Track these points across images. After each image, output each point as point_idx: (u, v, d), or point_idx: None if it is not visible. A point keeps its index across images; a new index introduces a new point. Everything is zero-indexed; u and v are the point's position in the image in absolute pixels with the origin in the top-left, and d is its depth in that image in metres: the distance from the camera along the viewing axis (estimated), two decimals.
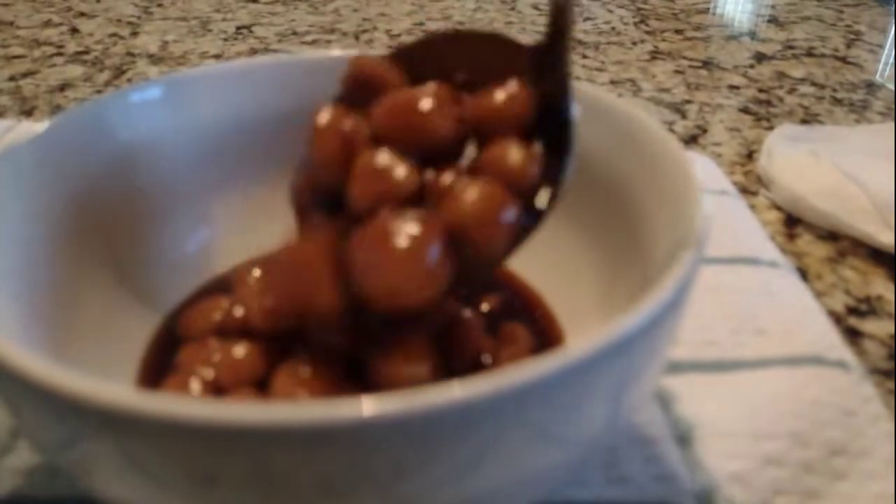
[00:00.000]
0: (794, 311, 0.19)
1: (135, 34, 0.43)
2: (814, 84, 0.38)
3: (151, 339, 0.16)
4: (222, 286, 0.17)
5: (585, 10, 0.50)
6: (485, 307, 0.17)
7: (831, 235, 0.25)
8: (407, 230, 0.11)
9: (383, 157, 0.12)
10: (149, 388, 0.15)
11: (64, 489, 0.14)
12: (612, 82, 0.38)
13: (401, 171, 0.12)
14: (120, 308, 0.16)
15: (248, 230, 0.18)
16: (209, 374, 0.14)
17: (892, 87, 0.38)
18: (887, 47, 0.44)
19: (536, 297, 0.17)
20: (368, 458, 0.09)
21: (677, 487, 0.14)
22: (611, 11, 0.50)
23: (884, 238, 0.23)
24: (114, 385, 0.09)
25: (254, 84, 0.18)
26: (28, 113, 0.32)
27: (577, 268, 0.17)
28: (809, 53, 0.43)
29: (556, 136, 0.13)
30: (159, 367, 0.15)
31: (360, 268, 0.11)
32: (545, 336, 0.16)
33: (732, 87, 0.37)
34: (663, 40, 0.44)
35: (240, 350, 0.14)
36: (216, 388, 0.14)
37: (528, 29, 0.46)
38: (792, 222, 0.26)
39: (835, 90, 0.37)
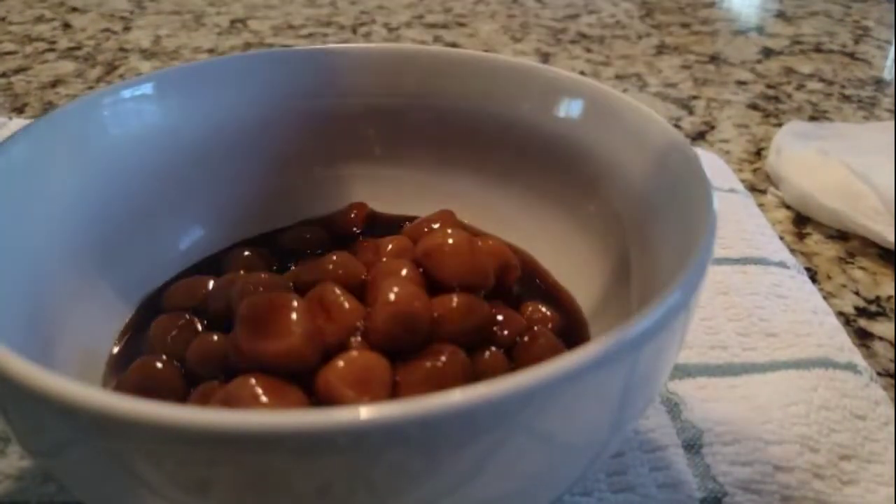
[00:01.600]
0: (804, 313, 0.19)
1: (127, 29, 0.42)
2: (822, 80, 0.37)
3: (133, 312, 0.16)
4: (213, 268, 0.17)
5: (590, 2, 0.49)
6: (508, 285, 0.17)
7: (841, 235, 0.24)
8: None
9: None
10: (122, 360, 0.14)
11: (55, 494, 0.14)
12: (618, 77, 0.37)
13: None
14: (109, 304, 0.16)
15: (240, 226, 0.18)
16: (177, 358, 0.14)
17: None
18: None
19: (552, 279, 0.17)
20: (367, 466, 0.09)
21: (684, 494, 0.14)
22: (616, 4, 0.49)
23: (893, 237, 0.23)
24: (106, 392, 0.09)
25: (248, 79, 0.18)
26: (20, 110, 0.32)
27: (585, 267, 0.17)
28: (817, 49, 0.42)
29: None
30: (136, 339, 0.15)
31: None
32: (566, 316, 0.16)
33: (740, 83, 0.37)
34: (670, 34, 0.44)
35: (212, 338, 0.13)
36: (186, 375, 0.13)
37: (531, 22, 0.45)
38: (801, 221, 0.25)
39: (843, 87, 0.37)
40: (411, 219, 0.18)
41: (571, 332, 0.15)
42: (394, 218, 0.18)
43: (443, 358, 0.12)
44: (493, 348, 0.14)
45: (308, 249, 0.17)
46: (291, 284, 0.15)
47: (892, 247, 0.23)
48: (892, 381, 0.18)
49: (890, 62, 0.40)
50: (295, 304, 0.12)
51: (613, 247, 0.16)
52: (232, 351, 0.12)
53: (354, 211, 0.19)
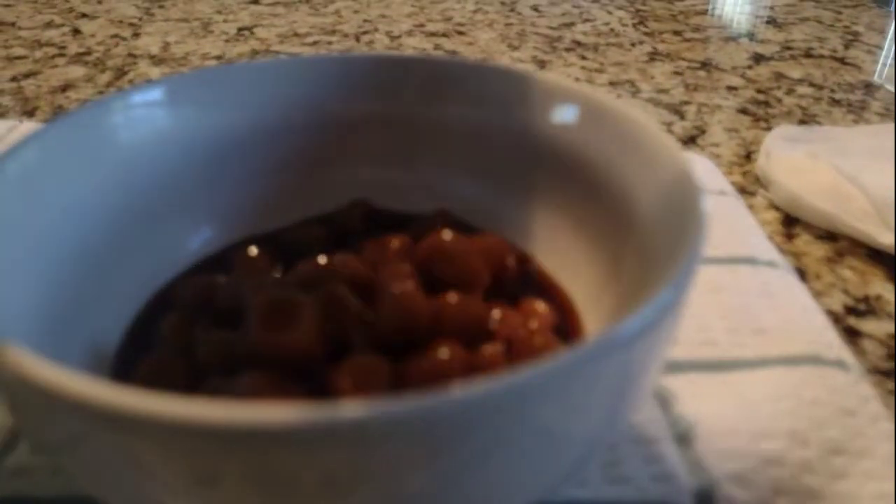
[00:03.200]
0: (793, 311, 0.19)
1: (136, 35, 0.43)
2: (812, 85, 0.38)
3: (142, 306, 0.16)
4: (220, 266, 0.17)
5: (584, 11, 0.50)
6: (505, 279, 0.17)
7: (830, 235, 0.25)
8: None
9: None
10: (130, 355, 0.15)
11: (64, 489, 0.14)
12: (611, 83, 0.38)
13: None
14: (119, 301, 0.16)
15: (247, 226, 0.19)
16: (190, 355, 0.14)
17: (891, 88, 0.38)
18: (885, 48, 0.44)
19: (548, 275, 0.17)
20: (369, 459, 0.09)
21: (676, 487, 0.14)
22: (610, 13, 0.50)
23: (882, 238, 0.23)
24: (115, 387, 0.09)
25: (254, 85, 0.18)
26: (30, 113, 0.32)
27: (577, 267, 0.17)
28: (808, 54, 0.43)
29: None
30: (146, 333, 0.15)
31: None
32: (562, 312, 0.16)
33: (731, 88, 0.37)
34: (662, 42, 0.44)
35: (221, 335, 0.14)
36: (194, 370, 0.14)
37: (528, 31, 0.46)
38: (790, 222, 0.26)
39: (833, 91, 0.37)
40: (411, 216, 0.18)
41: (567, 327, 0.16)
42: (394, 215, 0.19)
43: (443, 354, 0.13)
44: (492, 344, 0.14)
45: (311, 248, 0.18)
46: (300, 283, 0.15)
47: (881, 247, 0.23)
48: (881, 379, 0.19)
49: (879, 66, 0.41)
50: (305, 301, 0.13)
51: (607, 246, 0.16)
52: (241, 345, 0.13)
53: (356, 209, 0.19)
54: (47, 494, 0.14)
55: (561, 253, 0.17)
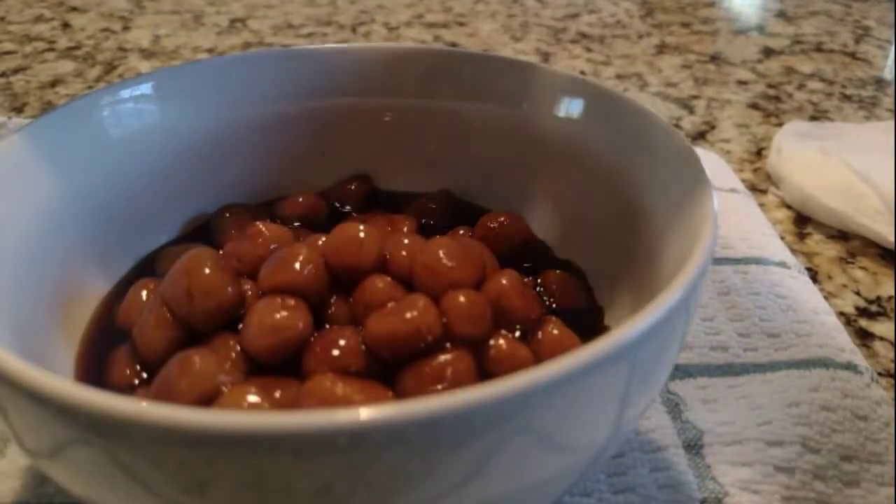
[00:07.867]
0: (804, 314, 0.19)
1: (126, 28, 0.42)
2: (822, 80, 0.37)
3: (88, 327, 0.15)
4: (150, 271, 0.16)
5: (590, 2, 0.49)
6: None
7: (842, 235, 0.24)
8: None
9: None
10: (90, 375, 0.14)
11: (54, 494, 0.14)
12: (618, 76, 0.37)
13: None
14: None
15: None
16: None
17: None
18: None
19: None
20: (366, 467, 0.09)
21: (685, 495, 0.14)
22: (616, 4, 0.49)
23: (895, 238, 0.23)
24: (105, 392, 0.09)
25: (247, 79, 0.18)
26: (19, 109, 0.32)
27: (585, 263, 0.17)
28: (818, 48, 0.42)
29: None
30: (98, 357, 0.14)
31: None
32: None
33: (741, 83, 0.37)
34: (670, 34, 0.44)
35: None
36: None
37: (531, 22, 0.45)
38: (802, 221, 0.25)
39: (844, 86, 0.37)
40: (411, 195, 0.18)
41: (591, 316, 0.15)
42: (395, 194, 0.18)
43: (446, 360, 0.12)
44: (507, 336, 0.13)
45: (307, 222, 0.17)
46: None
47: (893, 247, 0.23)
48: (893, 382, 0.18)
49: (890, 62, 0.40)
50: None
51: (614, 245, 0.16)
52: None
53: (355, 183, 0.18)
54: (37, 500, 0.14)
55: (566, 251, 0.17)
